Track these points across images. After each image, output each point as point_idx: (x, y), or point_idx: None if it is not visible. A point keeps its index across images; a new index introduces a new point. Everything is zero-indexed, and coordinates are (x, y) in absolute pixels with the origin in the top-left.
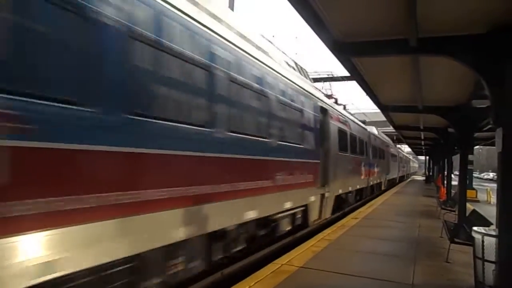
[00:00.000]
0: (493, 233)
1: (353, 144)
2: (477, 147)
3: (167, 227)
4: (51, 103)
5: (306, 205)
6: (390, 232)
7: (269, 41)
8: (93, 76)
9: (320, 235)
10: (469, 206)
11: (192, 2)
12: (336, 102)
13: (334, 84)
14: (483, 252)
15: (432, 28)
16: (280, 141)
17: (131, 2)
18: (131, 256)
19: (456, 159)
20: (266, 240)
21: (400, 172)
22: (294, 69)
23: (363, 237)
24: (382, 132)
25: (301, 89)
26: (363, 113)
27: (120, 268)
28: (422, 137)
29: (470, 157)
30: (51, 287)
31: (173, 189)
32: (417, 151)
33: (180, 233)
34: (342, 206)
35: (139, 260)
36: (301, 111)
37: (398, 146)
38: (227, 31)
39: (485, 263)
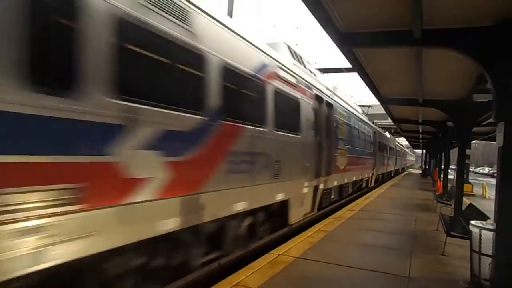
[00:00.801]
0: (491, 227)
1: (382, 147)
2: (473, 142)
3: (351, 177)
4: (353, 148)
5: (368, 177)
6: (386, 225)
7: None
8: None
9: (317, 226)
10: (465, 200)
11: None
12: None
13: (334, 74)
14: (480, 246)
15: (437, 20)
16: (366, 150)
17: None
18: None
19: (453, 153)
20: (359, 189)
21: (402, 164)
22: (364, 113)
23: (359, 230)
24: (380, 125)
25: (371, 125)
26: (362, 105)
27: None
28: (420, 131)
29: (467, 151)
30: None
31: (354, 166)
32: (414, 144)
33: (351, 178)
34: (376, 181)
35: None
36: (370, 135)
37: (396, 139)
38: (364, 118)
39: (482, 256)
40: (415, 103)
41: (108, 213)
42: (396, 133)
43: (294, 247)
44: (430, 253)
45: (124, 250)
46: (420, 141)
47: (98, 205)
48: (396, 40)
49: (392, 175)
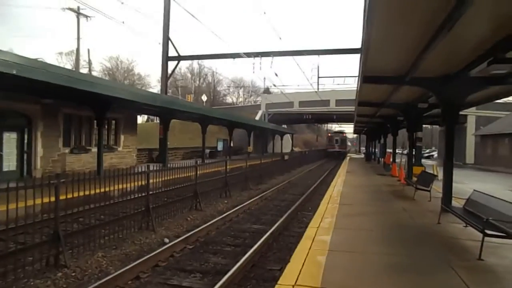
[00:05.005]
0: None
1: (345, 141)
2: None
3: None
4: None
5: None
6: (383, 221)
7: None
8: None
9: (309, 233)
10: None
11: None
12: (268, 92)
13: (282, 61)
14: None
15: None
16: (345, 145)
17: None
18: None
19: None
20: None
21: (347, 149)
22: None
23: (360, 231)
24: (317, 112)
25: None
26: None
27: None
28: (377, 115)
29: (419, 134)
30: None
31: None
32: (358, 130)
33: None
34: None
35: None
36: (345, 138)
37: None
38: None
39: None
40: (401, 81)
41: None
42: (338, 120)
43: (304, 270)
44: (464, 258)
45: None
46: (365, 126)
47: None
48: None
49: (342, 157)
